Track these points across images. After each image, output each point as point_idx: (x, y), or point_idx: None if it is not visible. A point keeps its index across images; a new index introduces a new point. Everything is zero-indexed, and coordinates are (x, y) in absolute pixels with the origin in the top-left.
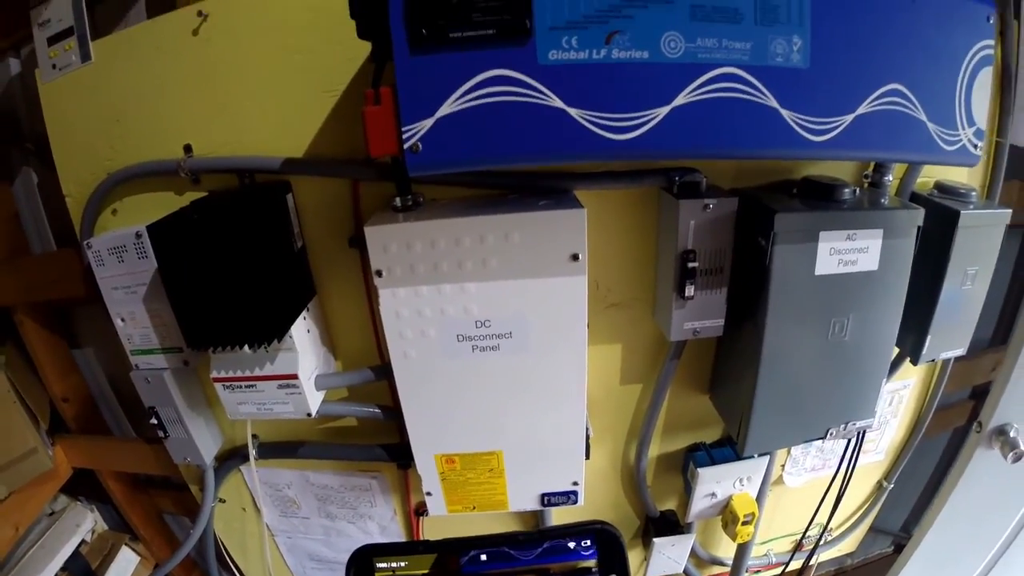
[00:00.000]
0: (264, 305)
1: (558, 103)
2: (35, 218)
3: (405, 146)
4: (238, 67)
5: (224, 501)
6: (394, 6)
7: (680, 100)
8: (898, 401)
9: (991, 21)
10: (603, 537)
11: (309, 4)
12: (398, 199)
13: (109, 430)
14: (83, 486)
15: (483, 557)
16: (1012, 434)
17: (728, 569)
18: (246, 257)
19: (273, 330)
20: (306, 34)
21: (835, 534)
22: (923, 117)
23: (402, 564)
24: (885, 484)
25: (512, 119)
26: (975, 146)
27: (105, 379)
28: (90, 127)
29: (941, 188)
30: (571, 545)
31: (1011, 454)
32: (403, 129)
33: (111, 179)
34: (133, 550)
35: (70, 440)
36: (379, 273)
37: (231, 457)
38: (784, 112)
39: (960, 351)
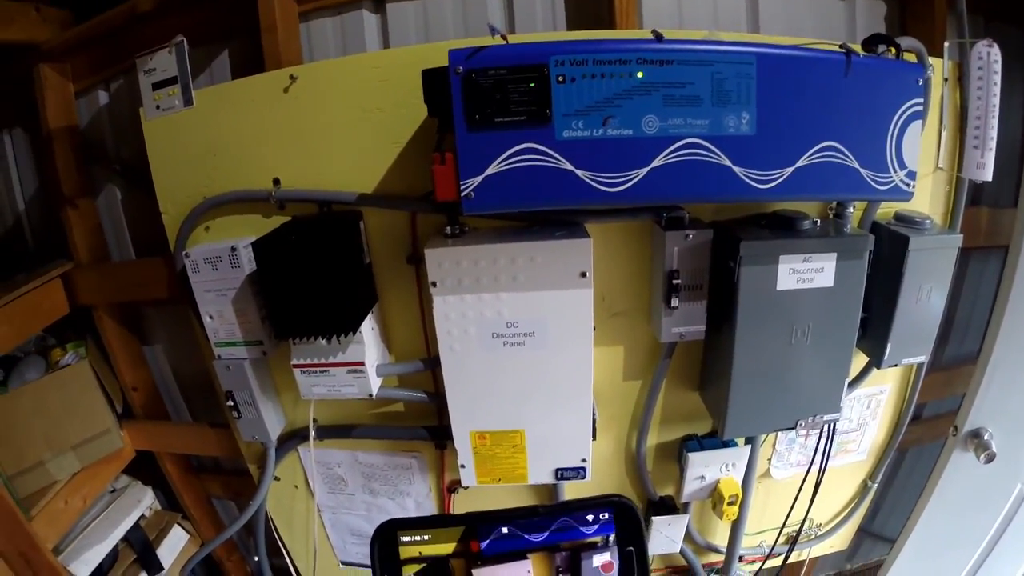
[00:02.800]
0: (341, 306)
1: (569, 166)
2: (116, 229)
3: (462, 195)
4: (321, 120)
5: (279, 479)
6: (456, 100)
7: (656, 163)
8: (876, 405)
9: (921, 83)
10: (620, 510)
11: (380, 75)
12: (448, 228)
13: (170, 418)
14: (141, 470)
15: (504, 531)
16: (986, 437)
17: (723, 556)
18: (328, 269)
19: (348, 325)
20: (378, 97)
21: (824, 529)
22: (856, 165)
23: (426, 538)
24: (870, 483)
25: (537, 178)
26: (908, 185)
27: (171, 373)
28: (189, 159)
29: (899, 217)
30: (589, 518)
31: (984, 455)
32: (461, 183)
33: (207, 202)
34: (184, 529)
35: (137, 424)
36: (434, 284)
37: (291, 438)
38: (736, 168)
39: (921, 358)
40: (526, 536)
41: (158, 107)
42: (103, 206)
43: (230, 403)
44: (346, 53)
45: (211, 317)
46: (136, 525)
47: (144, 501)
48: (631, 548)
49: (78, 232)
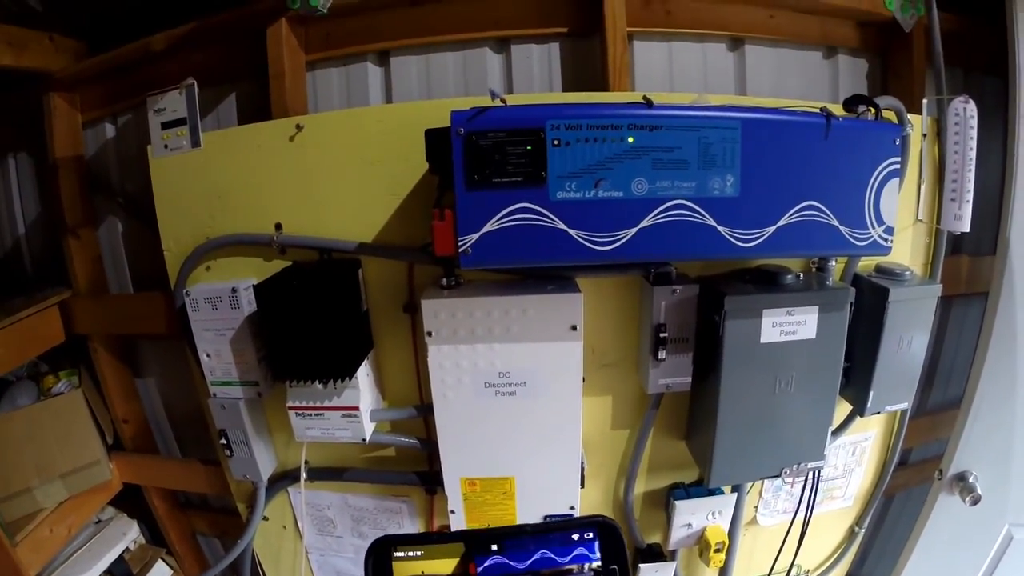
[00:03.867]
0: (338, 352)
1: (562, 226)
2: (116, 261)
3: (460, 250)
4: (324, 169)
5: (267, 519)
6: (457, 159)
7: (645, 223)
8: (861, 451)
9: (898, 142)
10: (604, 529)
11: (383, 128)
12: (444, 279)
13: (159, 452)
14: (127, 502)
15: (493, 547)
16: (971, 480)
17: None
18: (327, 315)
19: (345, 371)
20: (380, 149)
21: (812, 575)
22: (835, 223)
23: (419, 553)
24: (857, 529)
25: (531, 236)
26: (886, 240)
27: (162, 407)
28: (194, 198)
29: (880, 269)
30: (575, 537)
31: (969, 498)
32: (459, 239)
33: (210, 243)
34: (167, 564)
35: (126, 457)
36: (429, 334)
37: (282, 479)
38: (720, 228)
39: (904, 405)
40: (515, 563)
41: (166, 146)
42: (104, 237)
43: (223, 441)
44: (350, 103)
45: (208, 356)
46: (120, 558)
47: (129, 534)
48: (615, 567)
49: (78, 261)
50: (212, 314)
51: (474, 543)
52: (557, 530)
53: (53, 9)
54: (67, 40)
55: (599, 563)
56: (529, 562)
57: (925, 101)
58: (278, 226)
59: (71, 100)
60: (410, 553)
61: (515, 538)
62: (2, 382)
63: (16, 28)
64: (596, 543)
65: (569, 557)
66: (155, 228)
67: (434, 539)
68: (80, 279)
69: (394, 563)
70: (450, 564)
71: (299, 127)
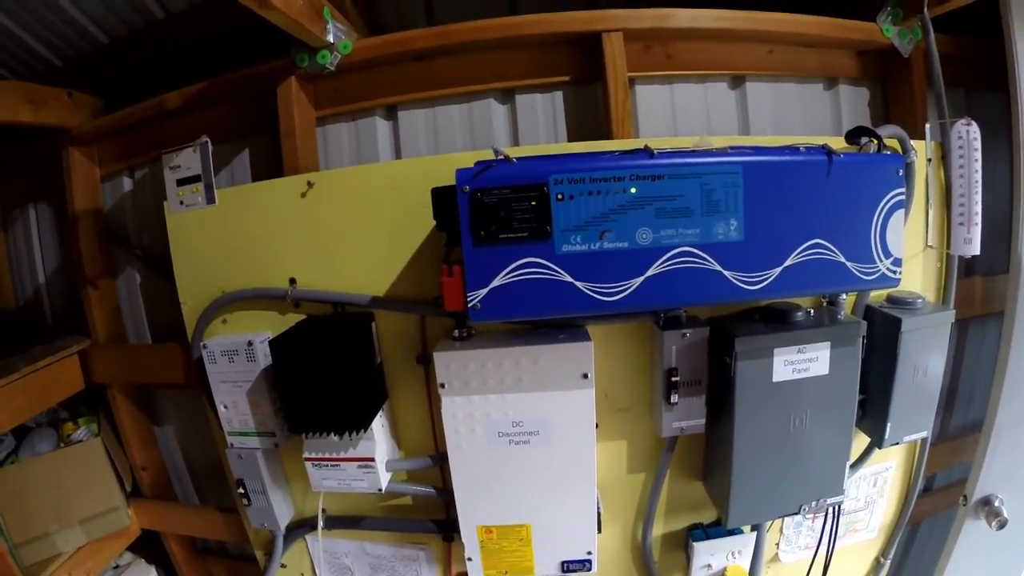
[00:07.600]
0: (353, 404)
1: (568, 279)
2: (134, 313)
3: (469, 306)
4: (336, 224)
5: (285, 566)
6: (463, 217)
7: (651, 272)
8: (882, 482)
9: (901, 173)
10: None
11: (391, 184)
12: (456, 331)
13: (177, 498)
14: (145, 547)
15: None
16: (996, 504)
17: None
18: (341, 369)
19: (360, 423)
20: (389, 205)
21: None
22: (842, 259)
23: None
24: (882, 560)
25: (539, 290)
26: (894, 272)
27: (180, 454)
28: (210, 253)
29: (891, 299)
30: None
31: (995, 522)
32: (468, 295)
33: (226, 297)
34: None
35: (145, 504)
36: (442, 385)
37: (299, 527)
38: (726, 273)
39: (923, 434)
40: None
41: (182, 203)
42: (122, 288)
43: (241, 490)
44: (360, 157)
45: (226, 407)
46: None
47: None
48: None
49: (97, 312)
50: (229, 366)
51: None
52: None
53: (72, 65)
54: (85, 96)
55: None
56: None
57: (928, 126)
58: (292, 280)
59: (89, 154)
60: None
61: None
62: (23, 429)
63: (35, 85)
64: None
65: None
66: (172, 280)
67: None
68: (99, 329)
69: None
70: None
71: (310, 184)
